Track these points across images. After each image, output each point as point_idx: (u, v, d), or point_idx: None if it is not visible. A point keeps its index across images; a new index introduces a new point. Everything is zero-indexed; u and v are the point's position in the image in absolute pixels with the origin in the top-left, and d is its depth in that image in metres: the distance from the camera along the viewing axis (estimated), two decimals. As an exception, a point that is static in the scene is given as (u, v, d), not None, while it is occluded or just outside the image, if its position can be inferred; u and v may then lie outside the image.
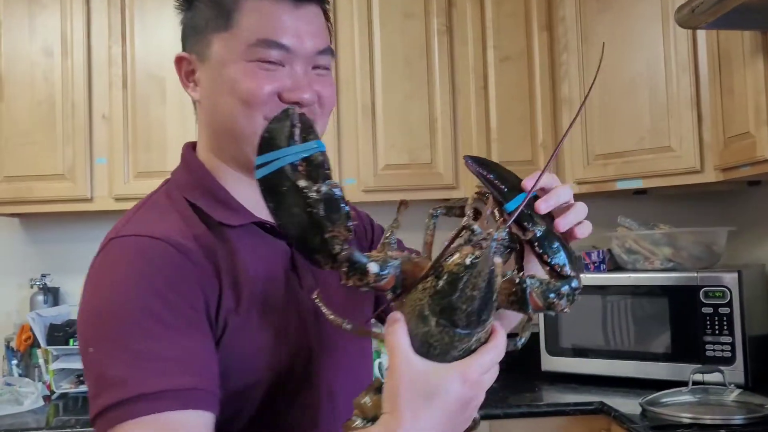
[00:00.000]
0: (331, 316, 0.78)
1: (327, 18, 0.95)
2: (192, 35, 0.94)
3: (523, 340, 0.81)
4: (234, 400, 0.83)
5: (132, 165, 2.36)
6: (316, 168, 0.73)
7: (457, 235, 0.74)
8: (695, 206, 2.67)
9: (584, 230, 0.83)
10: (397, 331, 0.72)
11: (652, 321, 2.17)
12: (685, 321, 2.11)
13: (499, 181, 0.81)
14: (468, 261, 0.71)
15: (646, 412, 1.86)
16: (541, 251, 0.78)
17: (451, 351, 0.72)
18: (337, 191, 0.72)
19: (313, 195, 0.71)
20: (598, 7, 2.33)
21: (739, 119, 1.94)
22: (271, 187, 0.73)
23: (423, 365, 0.72)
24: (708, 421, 1.75)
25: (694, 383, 1.95)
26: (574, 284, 0.78)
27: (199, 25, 0.91)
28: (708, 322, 2.08)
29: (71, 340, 2.29)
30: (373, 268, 0.72)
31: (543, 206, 0.79)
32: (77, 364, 2.32)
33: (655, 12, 2.21)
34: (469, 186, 2.39)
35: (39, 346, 2.39)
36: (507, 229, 0.76)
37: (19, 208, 2.38)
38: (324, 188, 0.72)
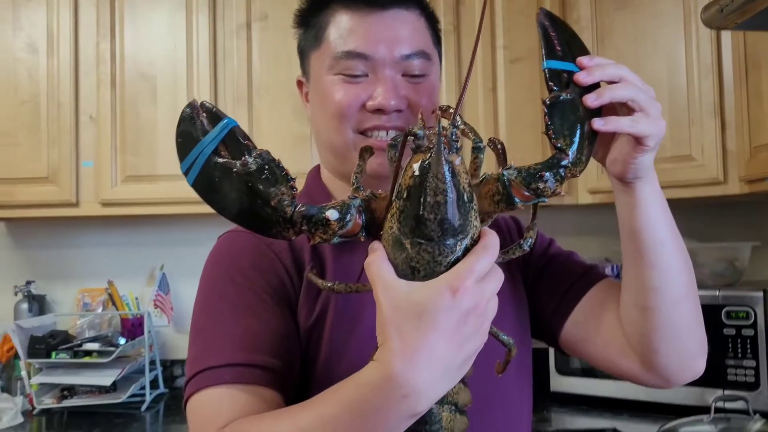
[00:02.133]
0: (325, 285, 0.77)
1: (429, 20, 0.94)
2: (302, 57, 0.98)
3: (530, 240, 0.74)
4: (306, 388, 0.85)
5: (120, 168, 2.24)
6: (236, 143, 0.70)
7: (403, 145, 0.68)
8: (716, 218, 2.53)
9: (613, 123, 0.73)
10: (376, 260, 0.68)
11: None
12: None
13: (557, 40, 0.76)
14: (417, 169, 0.66)
15: (664, 442, 1.74)
16: (546, 116, 0.71)
17: (436, 268, 0.67)
18: (265, 155, 0.69)
19: (245, 169, 0.68)
20: (615, 6, 2.19)
21: (767, 127, 1.81)
22: (206, 185, 0.69)
23: (406, 287, 0.66)
24: (733, 456, 1.62)
25: (716, 411, 1.82)
26: (562, 161, 0.70)
27: (304, 46, 0.97)
28: (731, 345, 1.94)
29: (53, 353, 2.17)
30: (332, 215, 0.68)
31: (583, 77, 0.73)
32: (60, 378, 2.21)
33: (677, 12, 2.07)
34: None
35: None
36: (456, 124, 0.69)
37: (0, 212, 2.26)
38: (251, 159, 0.68)
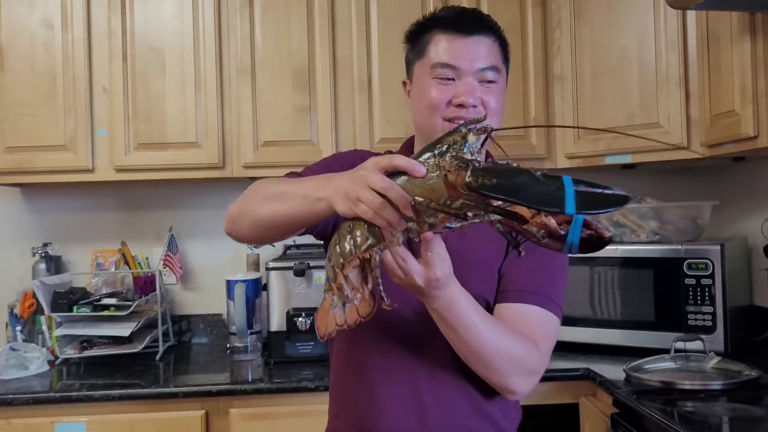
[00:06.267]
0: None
1: (501, 44, 1.28)
2: (408, 65, 1.34)
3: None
4: None
5: (132, 137, 2.40)
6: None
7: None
8: (681, 181, 2.75)
9: None
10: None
11: (637, 291, 2.26)
12: (669, 291, 2.20)
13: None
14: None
15: (630, 377, 1.95)
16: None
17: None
18: None
19: None
20: (591, -16, 2.38)
21: (725, 97, 2.00)
22: None
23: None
24: (688, 387, 1.83)
25: (676, 351, 2.04)
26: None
27: (411, 57, 1.32)
28: (690, 293, 2.16)
29: (75, 307, 2.36)
30: None
31: None
32: (81, 330, 2.39)
33: (647, -10, 2.26)
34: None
35: (42, 313, 2.46)
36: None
37: (21, 178, 2.42)
38: None
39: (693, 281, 2.16)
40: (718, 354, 2.03)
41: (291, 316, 2.34)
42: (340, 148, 2.44)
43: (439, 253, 1.01)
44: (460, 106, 1.21)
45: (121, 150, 2.40)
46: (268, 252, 2.66)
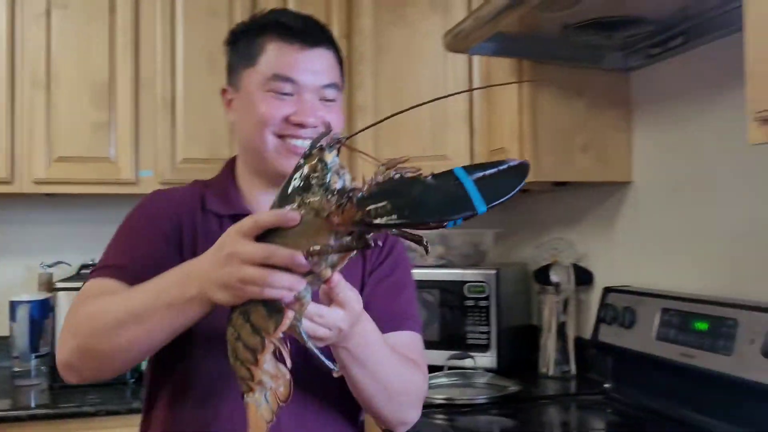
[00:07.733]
0: None
1: (339, 59, 1.19)
2: (231, 71, 1.18)
3: None
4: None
5: None
6: None
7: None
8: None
9: None
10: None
11: (425, 312, 2.40)
12: (452, 312, 2.36)
13: None
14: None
15: (408, 394, 2.06)
16: None
17: None
18: None
19: None
20: (392, 21, 2.52)
21: (498, 134, 2.20)
22: None
23: None
24: (457, 402, 1.97)
25: (453, 368, 2.19)
26: None
27: (236, 63, 1.16)
28: (470, 314, 2.33)
29: None
30: None
31: None
32: None
33: (439, 31, 2.42)
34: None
35: None
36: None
37: None
38: None
39: (472, 303, 2.33)
40: (490, 371, 2.20)
41: (79, 338, 2.26)
42: (140, 167, 2.41)
43: (348, 287, 0.90)
44: (300, 125, 1.10)
45: None
46: (63, 270, 2.56)
